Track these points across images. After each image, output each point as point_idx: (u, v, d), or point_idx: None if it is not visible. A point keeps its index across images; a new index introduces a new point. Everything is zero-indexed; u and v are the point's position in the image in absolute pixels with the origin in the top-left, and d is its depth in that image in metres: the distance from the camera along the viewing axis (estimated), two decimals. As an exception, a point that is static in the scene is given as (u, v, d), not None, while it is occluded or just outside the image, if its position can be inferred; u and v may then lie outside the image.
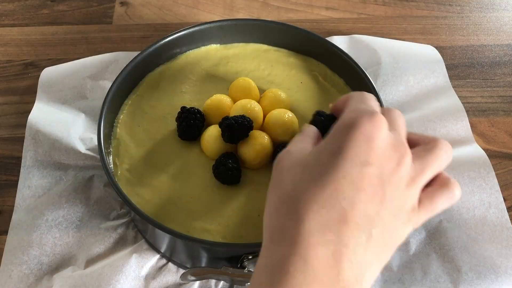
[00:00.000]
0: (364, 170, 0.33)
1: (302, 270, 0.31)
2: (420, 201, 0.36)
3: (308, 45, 0.69)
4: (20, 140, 0.69)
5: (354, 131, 0.34)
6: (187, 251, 0.55)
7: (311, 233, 0.32)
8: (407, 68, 0.75)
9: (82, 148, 0.66)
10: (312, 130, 0.41)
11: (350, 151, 0.33)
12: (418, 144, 0.38)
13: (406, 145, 0.36)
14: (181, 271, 0.58)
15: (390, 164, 0.34)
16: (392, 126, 0.37)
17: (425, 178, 0.37)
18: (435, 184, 0.38)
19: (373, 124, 0.34)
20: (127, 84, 0.65)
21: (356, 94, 0.40)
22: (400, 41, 0.80)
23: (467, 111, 0.70)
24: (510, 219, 0.61)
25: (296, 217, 0.33)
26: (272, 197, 0.35)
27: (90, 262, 0.58)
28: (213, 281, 0.57)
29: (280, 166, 0.37)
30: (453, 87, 0.74)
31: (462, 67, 0.79)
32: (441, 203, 0.37)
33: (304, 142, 0.39)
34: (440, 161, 0.37)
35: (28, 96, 0.75)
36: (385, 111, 0.39)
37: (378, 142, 0.34)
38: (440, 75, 0.75)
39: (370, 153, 0.34)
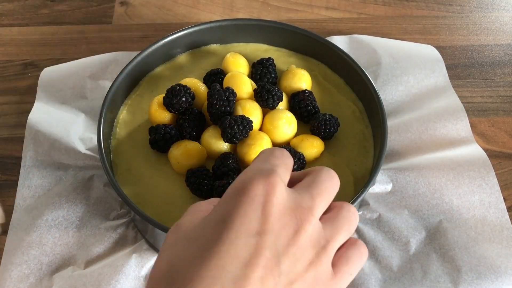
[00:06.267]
0: (253, 240, 0.28)
1: None
2: (334, 265, 0.32)
3: (308, 45, 0.69)
4: (20, 140, 0.69)
5: (244, 196, 0.30)
6: (187, 251, 0.55)
7: None
8: (407, 68, 0.75)
9: (82, 148, 0.66)
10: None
11: (237, 220, 0.29)
12: (329, 209, 0.34)
13: (312, 209, 0.31)
14: (181, 271, 0.58)
15: (286, 232, 0.30)
16: (304, 186, 0.33)
17: (338, 244, 0.33)
18: (345, 245, 0.34)
19: (266, 186, 0.30)
20: (127, 84, 0.65)
21: (264, 151, 0.36)
22: (400, 41, 0.80)
23: (467, 111, 0.70)
24: (510, 219, 0.61)
25: None
26: (149, 280, 0.31)
27: (90, 262, 0.58)
28: (213, 281, 0.57)
29: (164, 242, 0.32)
30: (453, 87, 0.74)
31: (462, 67, 0.79)
32: (357, 264, 0.33)
33: (198, 212, 0.33)
34: (351, 225, 0.34)
35: (27, 96, 0.75)
36: (309, 172, 0.35)
37: (272, 207, 0.29)
38: (440, 75, 0.75)
39: (262, 220, 0.29)
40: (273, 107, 0.60)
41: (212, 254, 0.28)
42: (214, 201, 0.34)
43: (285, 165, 0.34)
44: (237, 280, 0.27)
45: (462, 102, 0.71)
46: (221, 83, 0.63)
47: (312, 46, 0.69)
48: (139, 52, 0.65)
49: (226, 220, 0.29)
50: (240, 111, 0.59)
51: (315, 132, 0.60)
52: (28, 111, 0.70)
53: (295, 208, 0.31)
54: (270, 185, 0.30)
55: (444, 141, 0.67)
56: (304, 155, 0.58)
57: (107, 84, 0.72)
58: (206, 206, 0.34)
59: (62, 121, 0.69)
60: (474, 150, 0.67)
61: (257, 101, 0.60)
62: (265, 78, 0.64)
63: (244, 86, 0.61)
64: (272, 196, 0.30)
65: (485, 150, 0.67)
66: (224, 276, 0.27)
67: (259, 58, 0.66)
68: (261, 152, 0.35)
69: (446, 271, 0.57)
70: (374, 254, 0.58)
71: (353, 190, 0.57)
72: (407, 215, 0.61)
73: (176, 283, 0.28)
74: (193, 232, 0.30)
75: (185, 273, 0.28)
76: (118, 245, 0.59)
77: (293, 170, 0.57)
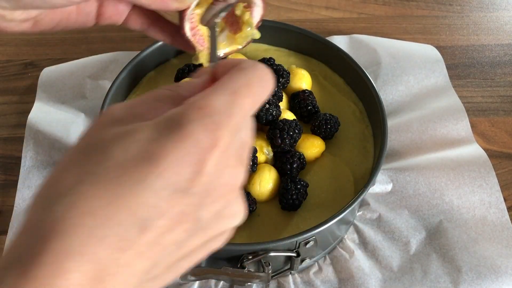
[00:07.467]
0: (176, 198, 0.24)
1: None
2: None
3: (308, 45, 0.69)
4: (20, 140, 0.69)
5: (182, 143, 0.24)
6: (187, 251, 0.55)
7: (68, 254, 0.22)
8: (407, 68, 0.75)
9: (82, 148, 0.66)
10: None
11: (165, 168, 0.23)
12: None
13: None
14: (181, 271, 0.58)
15: (220, 196, 0.26)
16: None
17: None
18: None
19: (212, 142, 0.24)
20: (127, 84, 0.65)
21: (243, 79, 0.26)
22: (400, 40, 0.80)
23: (467, 111, 0.70)
24: (510, 219, 0.61)
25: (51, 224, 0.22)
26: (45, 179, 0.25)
27: (90, 262, 0.58)
28: (213, 281, 0.57)
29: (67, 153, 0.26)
30: (453, 87, 0.74)
31: (462, 67, 0.79)
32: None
33: (143, 101, 0.27)
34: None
35: (27, 96, 0.75)
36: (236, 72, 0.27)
37: (207, 166, 0.24)
38: (440, 75, 0.75)
39: (191, 179, 0.24)
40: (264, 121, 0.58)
41: (127, 193, 0.23)
42: (136, 112, 0.27)
43: (254, 104, 0.27)
44: (144, 228, 0.23)
45: (462, 102, 0.71)
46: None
47: (312, 46, 0.69)
48: (139, 52, 0.65)
49: (152, 159, 0.23)
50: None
51: (315, 131, 0.60)
52: (28, 111, 0.70)
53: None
54: (215, 139, 0.24)
55: (445, 141, 0.67)
56: (305, 155, 0.58)
57: (107, 84, 0.72)
58: (125, 115, 0.26)
59: (62, 121, 0.69)
60: (475, 150, 0.67)
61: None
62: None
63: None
64: (214, 154, 0.24)
65: (485, 150, 0.67)
66: (134, 220, 0.23)
67: (259, 58, 0.66)
68: (245, 72, 0.27)
69: (446, 271, 0.57)
70: (374, 254, 0.58)
71: (353, 190, 0.57)
72: (407, 215, 0.61)
73: (64, 202, 0.23)
74: (115, 138, 0.24)
75: (79, 193, 0.23)
76: (118, 245, 0.59)
77: (293, 169, 0.57)
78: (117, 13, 0.41)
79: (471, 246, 0.58)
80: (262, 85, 0.27)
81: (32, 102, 0.72)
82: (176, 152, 0.24)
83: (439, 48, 0.80)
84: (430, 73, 0.75)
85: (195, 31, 0.41)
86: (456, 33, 0.84)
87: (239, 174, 0.27)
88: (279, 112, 0.58)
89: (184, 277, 0.51)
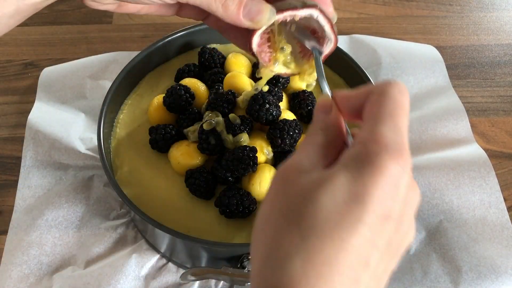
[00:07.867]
0: (383, 226, 0.27)
1: None
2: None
3: (308, 45, 0.69)
4: (20, 140, 0.69)
5: (380, 176, 0.27)
6: (187, 251, 0.55)
7: None
8: (407, 68, 0.75)
9: (82, 148, 0.66)
10: (323, 128, 0.32)
11: (373, 202, 0.26)
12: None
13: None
14: (181, 271, 0.58)
15: (409, 213, 0.29)
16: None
17: None
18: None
19: (401, 169, 0.27)
20: (127, 84, 0.65)
21: (391, 105, 0.29)
22: (400, 41, 0.80)
23: (467, 111, 0.70)
24: (510, 219, 0.61)
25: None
26: (257, 244, 0.28)
27: (90, 262, 0.58)
28: (213, 281, 0.57)
29: (273, 195, 0.29)
30: (453, 87, 0.74)
31: (462, 67, 0.79)
32: None
33: (308, 152, 0.31)
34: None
35: (28, 96, 0.75)
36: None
37: (401, 190, 0.27)
38: (440, 75, 0.75)
39: (392, 205, 0.27)
40: (265, 121, 0.57)
41: (347, 236, 0.26)
42: (317, 138, 0.31)
43: (406, 129, 0.29)
44: (364, 264, 0.27)
45: (462, 102, 0.71)
46: (221, 83, 0.63)
47: (312, 46, 0.68)
48: (139, 52, 0.65)
49: (359, 200, 0.26)
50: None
51: None
52: (28, 111, 0.70)
53: (412, 185, 0.29)
54: (405, 167, 0.27)
55: (444, 141, 0.67)
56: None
57: (107, 84, 0.72)
58: (311, 147, 0.31)
59: (62, 121, 0.69)
60: (474, 150, 0.67)
61: (248, 113, 0.58)
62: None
63: (244, 86, 0.61)
64: (404, 179, 0.27)
65: (485, 150, 0.67)
66: (355, 261, 0.26)
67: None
68: (388, 105, 0.29)
69: (446, 271, 0.57)
70: (374, 254, 0.58)
71: (353, 190, 0.57)
72: (407, 215, 0.61)
73: (293, 264, 0.26)
74: (312, 194, 0.27)
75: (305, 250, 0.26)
76: (118, 245, 0.59)
77: None
78: (196, 14, 0.44)
79: (471, 246, 0.58)
80: (403, 98, 0.30)
81: (32, 102, 0.72)
82: (377, 187, 0.26)
83: (439, 48, 0.80)
84: (430, 73, 0.75)
85: (262, 48, 0.43)
86: (456, 33, 0.84)
87: (418, 194, 0.30)
88: (279, 112, 0.58)
89: (184, 277, 0.51)
